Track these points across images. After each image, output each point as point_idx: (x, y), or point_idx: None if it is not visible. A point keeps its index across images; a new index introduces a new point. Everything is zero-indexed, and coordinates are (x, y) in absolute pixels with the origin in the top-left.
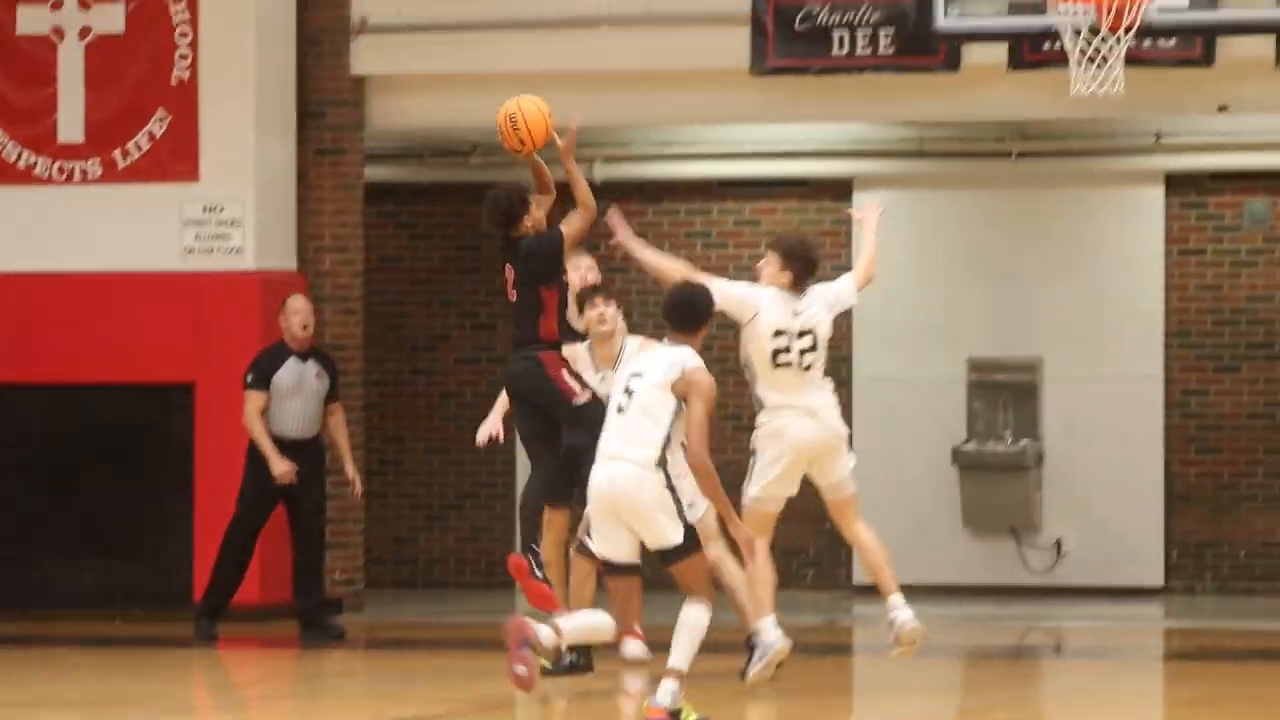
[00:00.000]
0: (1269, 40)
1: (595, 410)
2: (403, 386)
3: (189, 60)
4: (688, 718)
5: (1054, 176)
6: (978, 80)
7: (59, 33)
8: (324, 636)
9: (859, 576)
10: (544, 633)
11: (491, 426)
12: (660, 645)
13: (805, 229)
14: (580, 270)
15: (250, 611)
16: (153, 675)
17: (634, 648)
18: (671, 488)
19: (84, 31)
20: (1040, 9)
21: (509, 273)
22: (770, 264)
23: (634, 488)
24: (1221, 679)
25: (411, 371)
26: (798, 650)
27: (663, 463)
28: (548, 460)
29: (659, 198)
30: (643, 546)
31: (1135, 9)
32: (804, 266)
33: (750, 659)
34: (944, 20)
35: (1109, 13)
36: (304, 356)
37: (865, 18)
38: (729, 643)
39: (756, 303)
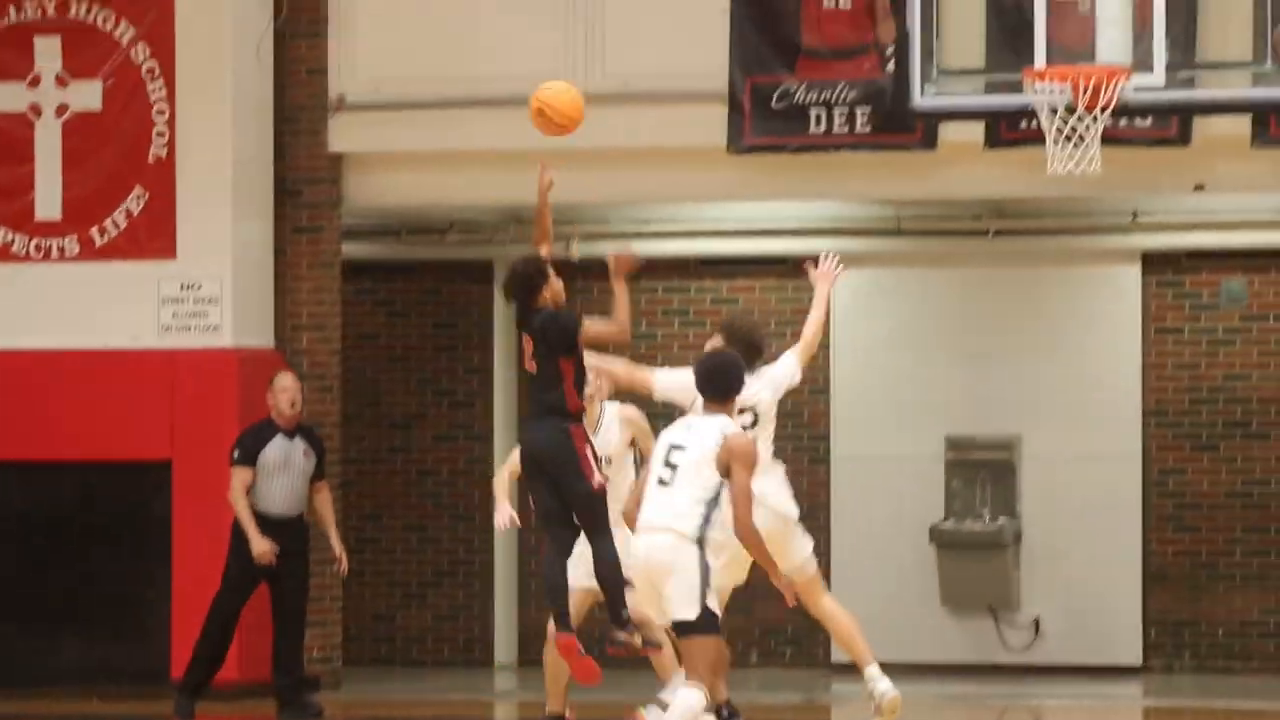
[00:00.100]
0: (1244, 120)
1: (603, 503)
2: (380, 464)
3: (166, 138)
4: None
5: (1031, 255)
6: (955, 158)
7: (36, 110)
8: (302, 715)
9: (837, 655)
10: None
11: (508, 509)
12: None
13: (784, 307)
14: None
15: (229, 690)
16: None
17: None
18: (705, 565)
19: (61, 109)
20: (1017, 88)
21: (527, 344)
22: (714, 345)
23: (669, 557)
24: None
25: (389, 449)
26: None
27: (702, 539)
28: (567, 534)
29: (637, 275)
30: None
31: (1111, 88)
32: (746, 348)
33: None
34: (921, 99)
35: (1085, 92)
36: (291, 434)
37: (842, 96)
38: None
39: (689, 386)
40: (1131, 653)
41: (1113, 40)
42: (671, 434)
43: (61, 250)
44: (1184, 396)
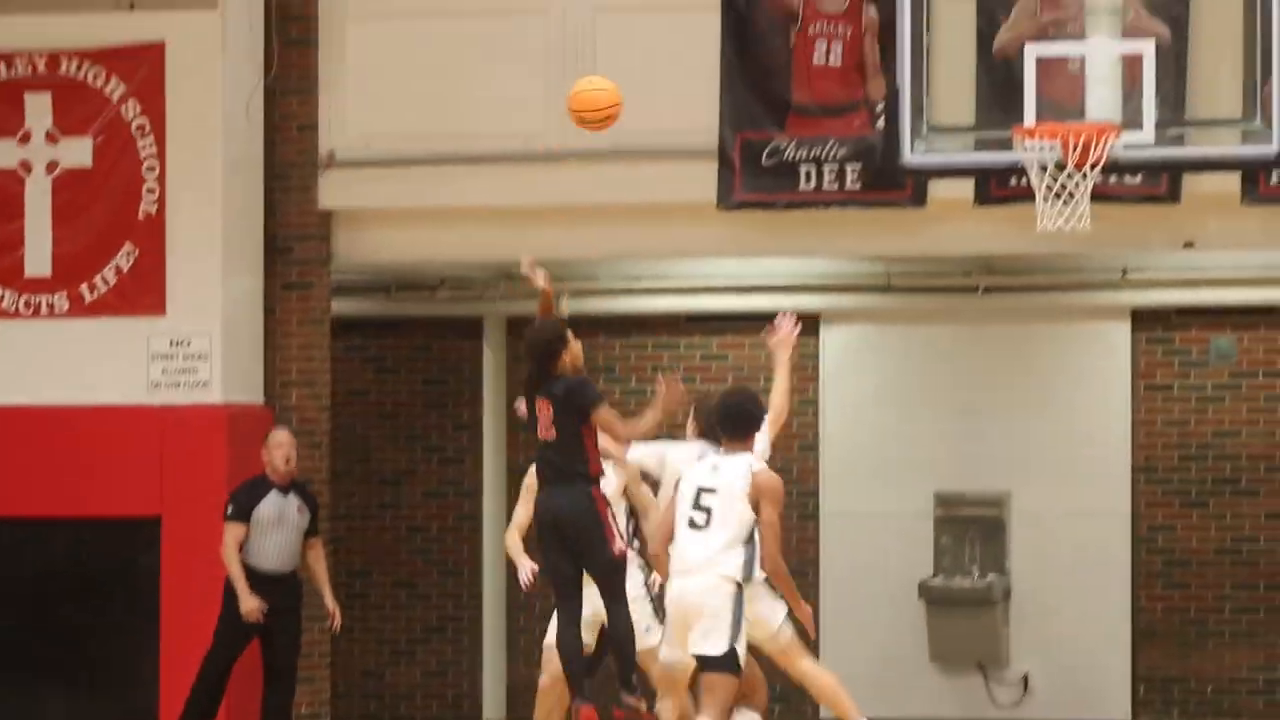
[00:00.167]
0: (1234, 177)
1: (623, 570)
2: (369, 520)
3: (156, 195)
4: None
5: (1021, 311)
6: (944, 215)
7: (26, 166)
8: None
9: (826, 712)
10: None
11: (529, 564)
12: None
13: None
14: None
15: None
16: None
17: None
18: (741, 607)
19: (51, 165)
20: (1007, 145)
21: (545, 409)
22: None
23: (707, 599)
24: None
25: (378, 505)
26: None
27: (743, 581)
28: (576, 604)
29: (627, 331)
30: None
31: (1101, 146)
32: (705, 424)
33: None
34: (911, 156)
35: (1075, 149)
36: (285, 490)
37: (832, 153)
38: None
39: (663, 457)
40: (1120, 709)
41: (1102, 98)
42: (697, 476)
43: (51, 307)
44: (1173, 453)
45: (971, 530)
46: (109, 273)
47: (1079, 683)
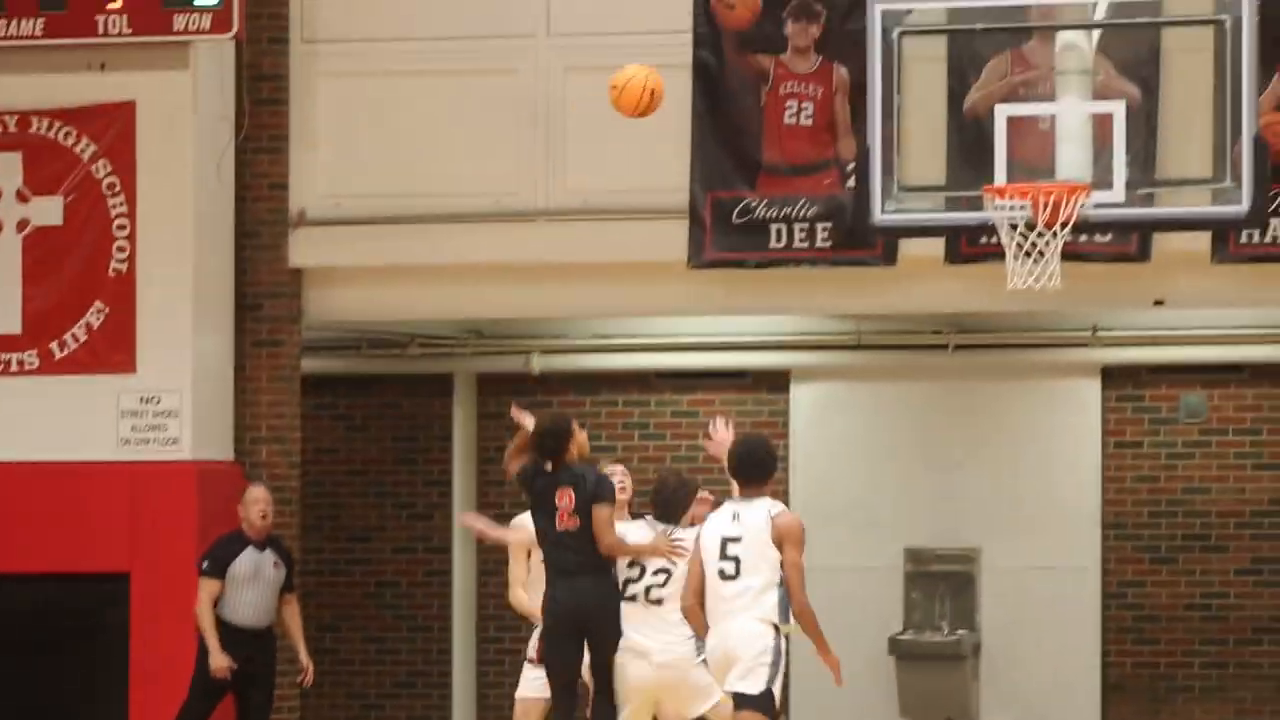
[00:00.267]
0: (1204, 236)
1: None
2: (339, 576)
3: (127, 253)
4: None
5: (991, 369)
6: (915, 274)
7: None
8: None
9: None
10: None
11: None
12: None
13: (743, 420)
14: (616, 477)
15: None
16: None
17: None
18: (779, 650)
19: (22, 224)
20: (977, 204)
21: (567, 497)
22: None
23: (746, 642)
24: None
25: (348, 561)
26: None
27: (780, 624)
28: (573, 701)
29: (596, 389)
30: None
31: (1071, 205)
32: (665, 507)
33: None
34: (881, 215)
35: (1045, 208)
36: (261, 546)
37: (803, 212)
38: None
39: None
40: None
41: (1072, 157)
42: (719, 526)
43: (21, 364)
44: (1143, 509)
45: (941, 585)
46: (79, 330)
47: None
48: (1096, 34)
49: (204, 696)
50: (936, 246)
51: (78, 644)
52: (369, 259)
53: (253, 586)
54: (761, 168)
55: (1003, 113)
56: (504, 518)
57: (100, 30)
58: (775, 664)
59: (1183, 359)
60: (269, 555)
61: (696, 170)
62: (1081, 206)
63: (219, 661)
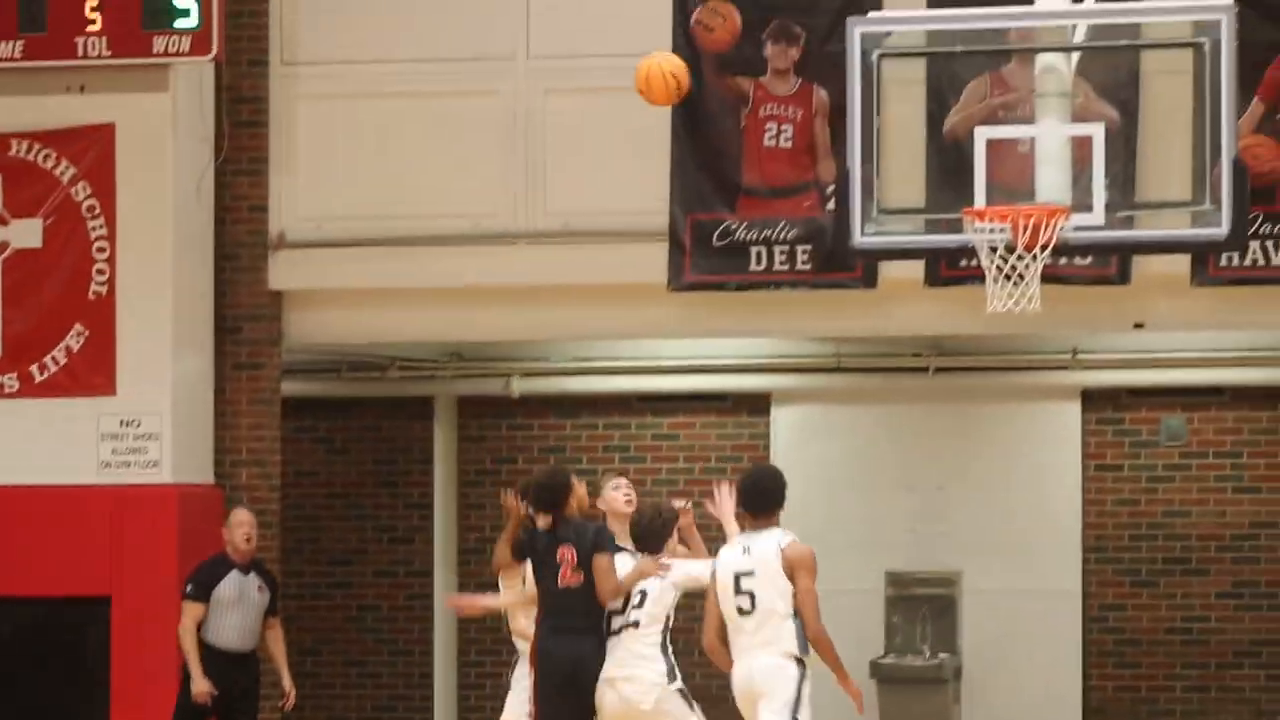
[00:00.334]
0: (1184, 259)
1: None
2: (320, 599)
3: (107, 275)
4: None
5: (971, 391)
6: (895, 296)
7: None
8: None
9: None
10: None
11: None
12: None
13: (724, 442)
14: (620, 489)
15: None
16: None
17: None
18: (803, 681)
19: (2, 246)
20: (957, 226)
21: (568, 554)
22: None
23: (771, 677)
24: None
25: (329, 585)
26: None
27: (802, 656)
28: None
29: (577, 412)
30: None
31: (1051, 228)
32: (634, 537)
33: None
34: (861, 238)
35: (1025, 231)
36: (246, 569)
37: (783, 234)
38: None
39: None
40: None
41: (1052, 180)
42: (731, 561)
43: (1, 387)
44: (1124, 532)
45: (923, 609)
46: (59, 353)
47: None
48: (1076, 56)
49: (189, 718)
50: (916, 269)
51: (59, 667)
52: (349, 281)
53: (237, 610)
54: (741, 190)
55: (982, 135)
56: (486, 541)
57: (80, 52)
58: (799, 697)
59: (1163, 382)
60: (253, 579)
61: (676, 193)
62: (1061, 229)
63: (200, 686)
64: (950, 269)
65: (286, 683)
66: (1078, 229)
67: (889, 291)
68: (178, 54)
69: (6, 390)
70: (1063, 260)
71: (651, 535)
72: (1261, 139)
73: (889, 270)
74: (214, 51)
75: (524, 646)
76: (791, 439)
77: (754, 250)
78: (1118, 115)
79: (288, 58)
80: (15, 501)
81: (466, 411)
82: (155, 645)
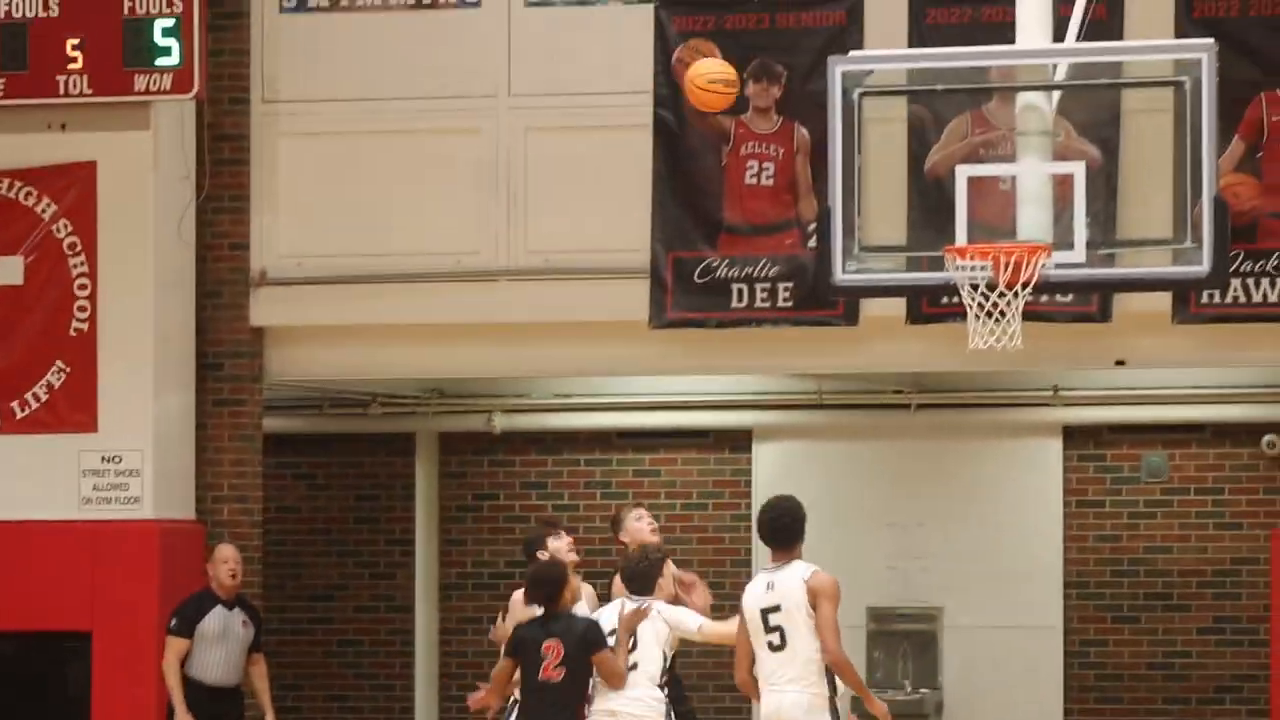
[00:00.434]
0: (1165, 296)
1: None
2: (301, 634)
3: (88, 312)
4: None
5: (953, 428)
6: (877, 333)
7: None
8: None
9: None
10: None
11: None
12: None
13: (705, 479)
14: (644, 520)
15: None
16: None
17: None
18: (836, 715)
19: None
20: (938, 264)
21: (555, 649)
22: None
23: (802, 715)
24: None
25: (310, 620)
26: None
27: (831, 691)
28: None
29: (558, 448)
30: None
31: (1032, 265)
32: (625, 580)
33: None
34: (842, 275)
35: (1006, 269)
36: (230, 605)
37: (764, 272)
38: None
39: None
40: None
41: (1033, 218)
42: (756, 598)
43: None
44: (1105, 569)
45: (904, 644)
46: (40, 390)
47: None
48: (1056, 95)
49: None
50: (898, 306)
51: (39, 703)
52: (331, 318)
53: (221, 645)
54: (723, 228)
55: (963, 173)
56: (467, 576)
57: (61, 90)
58: None
59: (1144, 419)
60: (238, 614)
61: (658, 230)
62: (1042, 267)
63: None
64: (932, 306)
65: (270, 718)
66: (1059, 267)
67: (870, 328)
68: (159, 92)
69: None
70: (1044, 298)
71: (640, 577)
72: (1242, 177)
73: (870, 307)
74: (195, 90)
75: None
76: (773, 475)
77: (735, 288)
78: (1099, 153)
79: (269, 96)
80: None
81: (448, 447)
82: (136, 681)
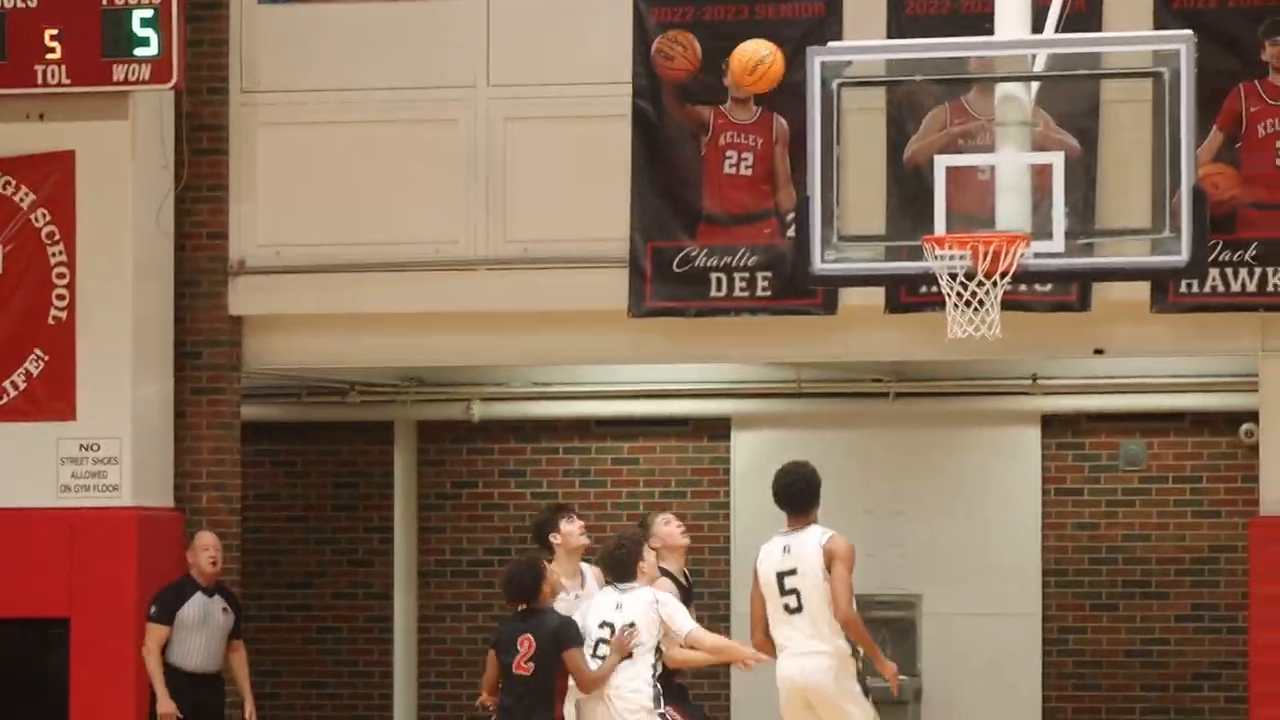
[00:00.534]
0: (1143, 285)
1: None
2: (280, 621)
3: (66, 301)
4: None
5: (931, 416)
6: (855, 322)
7: None
8: None
9: None
10: None
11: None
12: None
13: (684, 467)
14: (673, 524)
15: None
16: None
17: None
18: (862, 676)
19: None
20: (917, 253)
21: (527, 644)
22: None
23: (826, 678)
24: None
25: (289, 607)
26: None
27: (851, 651)
28: None
29: (537, 436)
30: None
31: (1011, 254)
32: (605, 569)
33: None
34: (821, 264)
35: (985, 258)
36: (210, 592)
37: (743, 261)
38: None
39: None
40: None
41: (1012, 207)
42: (772, 562)
43: None
44: (1083, 556)
45: (883, 632)
46: (18, 378)
47: None
48: (1035, 85)
49: None
50: (877, 296)
51: (17, 690)
52: (309, 307)
53: (201, 632)
54: (702, 217)
55: (942, 163)
56: (445, 564)
57: (39, 80)
58: (864, 688)
59: (1122, 407)
60: (218, 601)
61: (636, 220)
62: (1021, 256)
63: (165, 707)
64: (910, 295)
65: (249, 705)
66: (1038, 256)
67: (849, 318)
68: (137, 82)
69: None
70: (1023, 287)
71: (619, 565)
72: (1221, 167)
73: (849, 296)
74: (174, 80)
75: None
76: (752, 463)
77: (714, 277)
78: (1077, 144)
79: (248, 86)
80: None
81: (426, 436)
82: (114, 668)
